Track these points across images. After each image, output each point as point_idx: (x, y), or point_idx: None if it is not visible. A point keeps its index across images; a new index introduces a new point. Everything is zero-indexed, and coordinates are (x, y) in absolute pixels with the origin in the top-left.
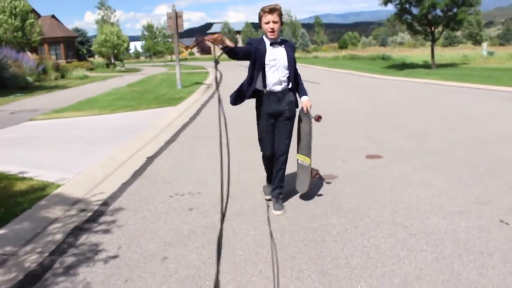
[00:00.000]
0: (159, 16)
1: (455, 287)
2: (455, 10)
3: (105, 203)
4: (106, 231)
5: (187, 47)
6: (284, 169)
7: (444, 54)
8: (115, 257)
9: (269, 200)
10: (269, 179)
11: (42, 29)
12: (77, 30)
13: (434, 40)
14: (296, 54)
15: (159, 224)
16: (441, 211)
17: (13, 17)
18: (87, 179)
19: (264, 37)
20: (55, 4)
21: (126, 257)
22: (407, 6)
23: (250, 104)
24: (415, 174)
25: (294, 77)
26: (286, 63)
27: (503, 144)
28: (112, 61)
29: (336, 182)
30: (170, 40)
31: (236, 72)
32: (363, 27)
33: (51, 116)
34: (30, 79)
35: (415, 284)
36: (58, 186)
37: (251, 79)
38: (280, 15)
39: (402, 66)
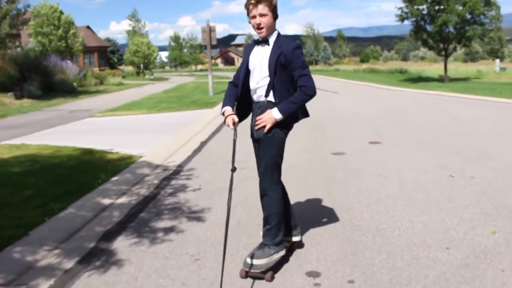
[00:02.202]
0: (183, 27)
1: (415, 204)
2: (467, 27)
3: (180, 166)
4: (188, 178)
5: (211, 58)
6: (266, 209)
7: (459, 69)
8: (199, 189)
9: None
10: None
11: (84, 39)
12: (108, 40)
13: (447, 56)
14: (318, 67)
15: (223, 174)
16: (413, 171)
17: (57, 28)
18: (160, 153)
19: None
20: (83, 14)
21: (206, 189)
22: (422, 23)
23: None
24: (402, 152)
25: (287, 89)
26: (265, 67)
27: (475, 137)
28: (142, 70)
29: (344, 156)
30: (196, 51)
31: None
32: (385, 41)
33: (107, 114)
34: (74, 84)
35: (390, 199)
36: (140, 157)
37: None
38: (271, 6)
39: (418, 80)
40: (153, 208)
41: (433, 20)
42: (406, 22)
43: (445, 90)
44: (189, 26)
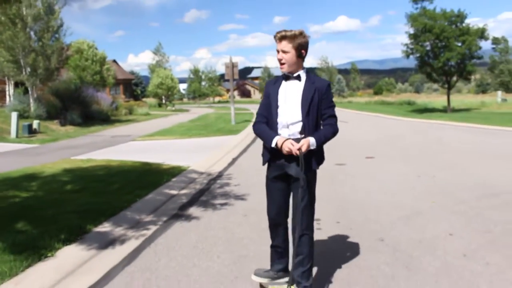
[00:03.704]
0: (199, 59)
1: (389, 190)
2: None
3: (220, 172)
4: (228, 179)
5: (228, 90)
6: (304, 250)
7: (464, 100)
8: (238, 184)
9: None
10: (273, 259)
11: (116, 74)
12: (132, 72)
13: (449, 88)
14: None
15: (254, 178)
16: (394, 174)
17: (93, 63)
18: (202, 165)
19: None
20: (103, 47)
21: (243, 185)
22: (427, 58)
23: None
24: (389, 163)
25: (316, 124)
26: (298, 104)
27: (450, 154)
28: (164, 101)
29: (344, 166)
30: (214, 83)
31: None
32: (400, 73)
33: (146, 139)
34: (109, 113)
35: (373, 189)
36: (188, 167)
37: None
38: (295, 44)
39: (423, 110)
40: (208, 194)
41: (436, 56)
42: (411, 57)
43: (445, 119)
44: (205, 59)
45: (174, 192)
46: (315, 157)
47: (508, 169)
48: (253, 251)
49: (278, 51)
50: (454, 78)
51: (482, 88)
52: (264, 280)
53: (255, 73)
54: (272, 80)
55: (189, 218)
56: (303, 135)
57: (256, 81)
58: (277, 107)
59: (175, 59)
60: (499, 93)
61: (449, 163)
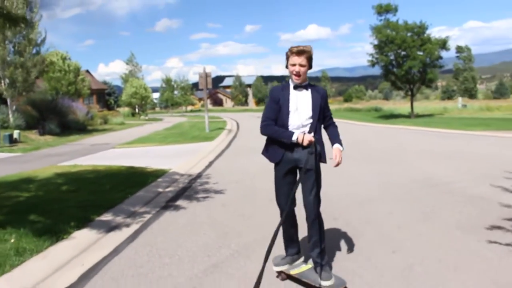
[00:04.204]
0: (170, 68)
1: (349, 181)
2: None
3: (199, 174)
4: (208, 178)
5: (200, 99)
6: (318, 233)
7: (427, 106)
8: (217, 182)
9: (280, 273)
10: (287, 245)
11: (90, 84)
12: (105, 83)
13: (413, 95)
14: None
15: (231, 177)
16: (353, 170)
17: (67, 74)
18: (182, 167)
19: (290, 80)
20: (72, 56)
21: (221, 182)
22: (391, 67)
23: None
24: (352, 164)
25: (324, 127)
26: (309, 109)
27: (405, 153)
28: (137, 111)
29: None
30: (187, 93)
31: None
32: (370, 81)
33: (125, 146)
34: (85, 123)
35: (336, 182)
36: (170, 169)
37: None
38: (309, 58)
39: (389, 116)
40: (191, 191)
41: (399, 65)
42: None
43: (407, 124)
44: (177, 68)
45: (160, 190)
46: (322, 153)
47: (449, 165)
48: (232, 230)
49: (294, 65)
50: (418, 86)
51: (448, 95)
52: (284, 267)
53: (226, 82)
54: (278, 87)
55: (177, 208)
56: (311, 134)
57: (228, 90)
58: (288, 112)
59: (146, 68)
60: (460, 99)
61: (403, 162)
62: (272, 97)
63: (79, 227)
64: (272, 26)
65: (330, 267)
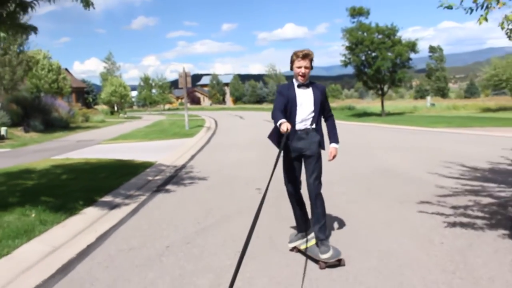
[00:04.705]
0: (147, 66)
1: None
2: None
3: (183, 165)
4: (191, 168)
5: (177, 98)
6: (319, 210)
7: (398, 105)
8: (200, 171)
9: (294, 248)
10: (298, 224)
11: (71, 82)
12: (83, 81)
13: (383, 94)
14: None
15: (211, 167)
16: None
17: (50, 72)
18: (167, 160)
19: (293, 80)
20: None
21: (204, 171)
22: (362, 68)
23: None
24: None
25: (324, 118)
26: (311, 104)
27: (372, 148)
28: (116, 109)
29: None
30: (165, 91)
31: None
32: (346, 80)
33: (110, 142)
34: (68, 120)
35: None
36: (156, 162)
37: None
38: (312, 60)
39: (362, 115)
40: (178, 178)
41: (370, 65)
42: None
43: (377, 122)
44: (153, 66)
45: (150, 178)
46: (321, 142)
47: (404, 157)
48: (215, 205)
49: (299, 67)
50: (388, 85)
51: (421, 94)
52: (297, 243)
53: (204, 81)
54: (284, 85)
55: (167, 191)
56: (313, 126)
57: (206, 88)
58: (296, 108)
59: (123, 66)
60: (428, 98)
61: (366, 154)
62: (280, 92)
63: (86, 205)
64: (249, 25)
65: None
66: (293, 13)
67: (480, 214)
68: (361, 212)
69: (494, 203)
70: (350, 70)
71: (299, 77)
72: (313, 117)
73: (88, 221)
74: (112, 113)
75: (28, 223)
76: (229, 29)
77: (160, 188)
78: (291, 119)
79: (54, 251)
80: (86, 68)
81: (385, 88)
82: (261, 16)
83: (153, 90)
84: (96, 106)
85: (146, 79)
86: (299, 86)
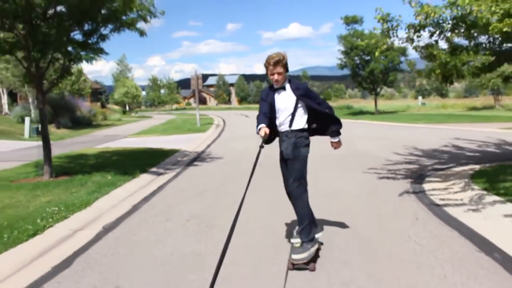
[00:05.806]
0: (152, 67)
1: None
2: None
3: (202, 151)
4: (209, 153)
5: (184, 98)
6: (299, 212)
7: (392, 103)
8: (216, 154)
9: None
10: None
11: (91, 84)
12: (97, 82)
13: (376, 94)
14: None
15: (224, 152)
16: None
17: (72, 75)
18: (188, 148)
19: (273, 84)
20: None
21: (219, 154)
22: (357, 70)
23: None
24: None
25: (322, 114)
26: (287, 107)
27: (355, 139)
28: (130, 109)
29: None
30: (173, 91)
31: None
32: (350, 80)
33: (135, 136)
34: (90, 119)
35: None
36: (180, 149)
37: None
38: (284, 65)
39: (357, 113)
40: (200, 159)
41: (364, 68)
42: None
43: (369, 119)
44: (158, 66)
45: (179, 159)
46: (299, 143)
47: (376, 144)
48: (233, 175)
49: (272, 74)
50: (380, 86)
51: (421, 93)
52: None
53: (210, 81)
54: (265, 90)
55: (195, 166)
56: (292, 128)
57: (211, 89)
58: (275, 112)
59: (128, 66)
60: (420, 97)
61: (348, 143)
62: (262, 97)
63: (141, 173)
64: (254, 25)
65: (310, 246)
66: (298, 12)
67: (403, 172)
68: (325, 173)
69: (417, 168)
70: None
71: (274, 83)
72: (291, 119)
73: (147, 180)
74: (124, 112)
75: (110, 181)
76: (233, 29)
77: (189, 164)
78: (273, 122)
79: (134, 192)
80: (93, 69)
81: (378, 89)
82: (266, 16)
83: (162, 91)
84: (108, 106)
85: (154, 80)
86: (276, 90)
